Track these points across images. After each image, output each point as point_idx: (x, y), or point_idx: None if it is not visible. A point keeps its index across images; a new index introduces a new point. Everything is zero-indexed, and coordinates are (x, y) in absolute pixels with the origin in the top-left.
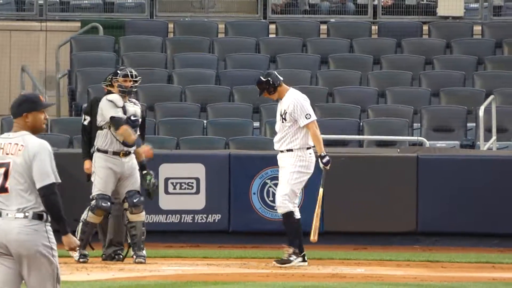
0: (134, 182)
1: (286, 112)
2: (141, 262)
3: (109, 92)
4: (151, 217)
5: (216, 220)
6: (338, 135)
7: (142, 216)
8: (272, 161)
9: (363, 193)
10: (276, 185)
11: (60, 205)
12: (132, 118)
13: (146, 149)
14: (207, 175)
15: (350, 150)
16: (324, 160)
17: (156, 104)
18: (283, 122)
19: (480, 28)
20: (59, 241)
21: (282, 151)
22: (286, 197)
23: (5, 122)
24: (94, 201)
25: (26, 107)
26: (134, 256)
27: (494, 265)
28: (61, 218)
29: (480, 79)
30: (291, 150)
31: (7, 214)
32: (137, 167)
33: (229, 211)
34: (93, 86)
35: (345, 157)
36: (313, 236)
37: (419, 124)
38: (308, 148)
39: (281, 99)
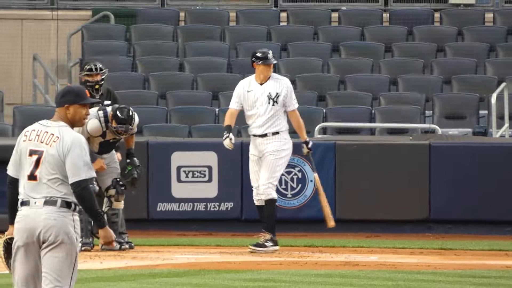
0: (114, 172)
1: (279, 95)
2: (131, 248)
3: (86, 82)
4: (164, 205)
5: (229, 208)
6: (350, 122)
7: (122, 204)
8: None
9: (375, 181)
10: (288, 172)
11: (92, 200)
12: (111, 141)
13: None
14: (219, 163)
15: (362, 138)
16: (310, 145)
17: (167, 93)
18: (273, 105)
19: (491, 15)
20: None
21: (265, 135)
22: (270, 185)
23: (17, 111)
24: None
25: (68, 99)
26: (115, 243)
27: (507, 253)
28: (95, 212)
29: (492, 66)
30: (277, 132)
31: (35, 203)
32: (116, 159)
33: (242, 199)
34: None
35: (357, 145)
36: (330, 222)
37: (431, 112)
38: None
39: (261, 83)
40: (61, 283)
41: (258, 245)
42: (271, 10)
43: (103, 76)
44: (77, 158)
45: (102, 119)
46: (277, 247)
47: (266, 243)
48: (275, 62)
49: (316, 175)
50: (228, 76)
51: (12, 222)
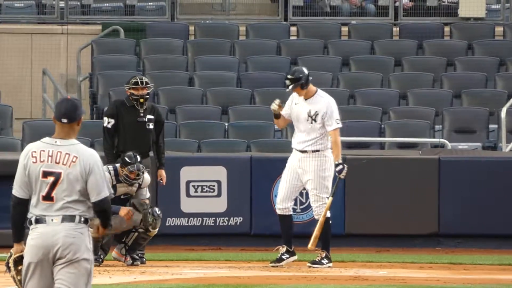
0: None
1: (318, 114)
2: (143, 263)
3: (132, 95)
4: (173, 220)
5: (238, 223)
6: (360, 137)
7: (157, 230)
8: None
9: (385, 195)
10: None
11: (110, 211)
12: (122, 196)
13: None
14: (228, 178)
15: (371, 152)
16: (337, 169)
17: (177, 107)
18: (312, 123)
19: (501, 29)
20: None
21: (305, 151)
22: (323, 206)
23: (26, 126)
24: None
25: (81, 112)
26: (128, 257)
27: None
28: (109, 221)
29: (502, 80)
30: (317, 151)
31: (52, 220)
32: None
33: (251, 213)
34: (114, 89)
35: (366, 159)
36: (311, 245)
37: (440, 126)
38: (330, 149)
39: (305, 99)
40: None
41: (315, 262)
42: (281, 24)
43: (149, 91)
44: (99, 176)
45: (112, 172)
46: (331, 264)
47: (322, 261)
48: (301, 76)
49: (330, 199)
50: (238, 91)
51: (17, 240)
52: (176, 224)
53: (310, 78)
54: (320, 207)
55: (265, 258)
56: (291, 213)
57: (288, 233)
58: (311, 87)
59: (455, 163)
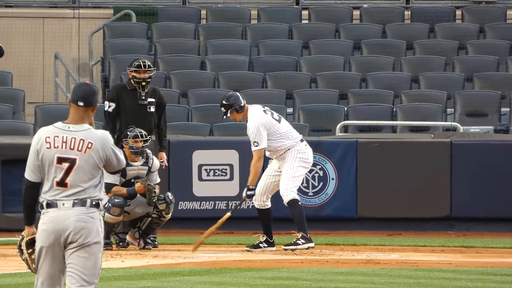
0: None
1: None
2: (155, 247)
3: (134, 78)
4: (185, 203)
5: (250, 207)
6: (372, 120)
7: (170, 216)
8: None
9: (396, 179)
10: (310, 171)
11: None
12: (133, 180)
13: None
14: (240, 161)
15: (383, 135)
16: (248, 193)
17: (189, 91)
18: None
19: None
20: None
21: (279, 159)
22: (288, 187)
23: (39, 110)
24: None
25: (97, 99)
26: (140, 240)
27: None
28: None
29: None
30: (288, 149)
31: (63, 204)
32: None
33: None
34: (126, 73)
35: (378, 142)
36: (193, 249)
37: (452, 109)
38: (302, 141)
39: (246, 120)
40: (88, 282)
41: (290, 244)
42: (292, 7)
43: (151, 74)
44: (115, 158)
45: None
46: (311, 244)
47: (297, 241)
48: (226, 103)
49: (228, 214)
50: (249, 74)
51: (29, 223)
52: (188, 207)
53: (244, 101)
54: (284, 189)
55: (277, 242)
56: (269, 206)
57: (267, 225)
58: (246, 107)
59: (467, 146)
